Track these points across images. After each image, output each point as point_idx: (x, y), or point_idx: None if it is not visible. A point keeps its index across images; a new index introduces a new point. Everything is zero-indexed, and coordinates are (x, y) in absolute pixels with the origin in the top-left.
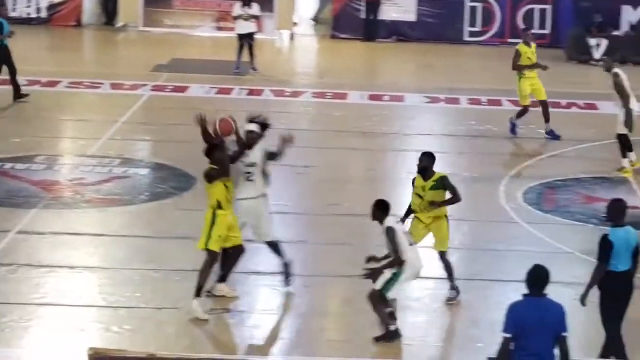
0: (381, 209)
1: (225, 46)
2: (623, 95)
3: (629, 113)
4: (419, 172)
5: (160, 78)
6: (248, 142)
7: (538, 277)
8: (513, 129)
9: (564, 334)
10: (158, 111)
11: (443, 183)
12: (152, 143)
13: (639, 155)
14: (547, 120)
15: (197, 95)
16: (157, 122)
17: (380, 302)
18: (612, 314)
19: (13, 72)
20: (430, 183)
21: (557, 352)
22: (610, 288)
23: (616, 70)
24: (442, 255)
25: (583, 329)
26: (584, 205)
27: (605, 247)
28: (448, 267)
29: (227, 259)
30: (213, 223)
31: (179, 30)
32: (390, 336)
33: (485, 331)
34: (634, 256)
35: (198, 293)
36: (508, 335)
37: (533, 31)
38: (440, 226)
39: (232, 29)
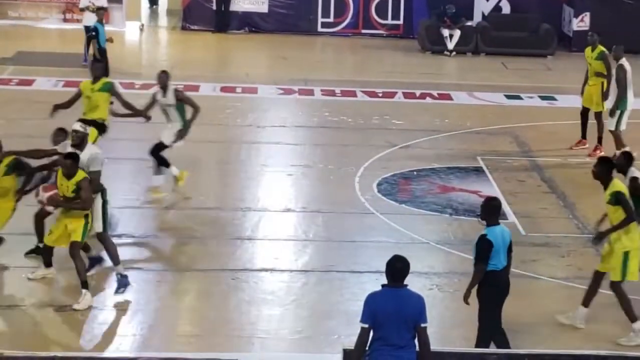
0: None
1: (72, 38)
2: (619, 87)
3: (613, 109)
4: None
5: (4, 71)
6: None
7: (397, 268)
8: None
9: (423, 325)
10: (2, 105)
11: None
12: None
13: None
14: None
15: (43, 89)
16: (1, 116)
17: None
18: (494, 311)
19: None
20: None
21: (416, 342)
22: (492, 286)
23: (622, 62)
24: None
25: (441, 319)
26: (439, 195)
27: (485, 248)
28: None
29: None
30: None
31: (24, 22)
32: None
33: (340, 323)
34: (508, 253)
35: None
36: (365, 325)
37: (384, 22)
38: None
39: (79, 21)
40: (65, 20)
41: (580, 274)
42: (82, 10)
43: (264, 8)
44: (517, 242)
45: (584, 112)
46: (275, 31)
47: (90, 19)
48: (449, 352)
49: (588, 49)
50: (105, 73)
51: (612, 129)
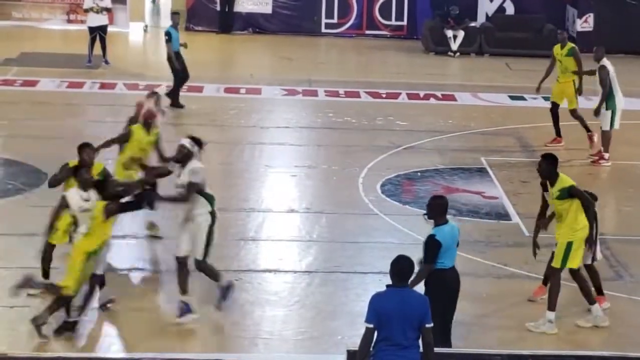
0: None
1: (76, 39)
2: (603, 87)
3: (598, 109)
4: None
5: (8, 72)
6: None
7: (401, 268)
8: None
9: (428, 325)
10: (6, 105)
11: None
12: (0, 138)
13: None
14: None
15: (47, 89)
16: (5, 116)
17: None
18: (441, 310)
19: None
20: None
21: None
22: (439, 285)
23: (603, 62)
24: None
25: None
26: None
27: (434, 248)
28: None
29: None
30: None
31: (28, 22)
32: None
33: (344, 323)
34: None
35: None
36: (370, 326)
37: (388, 22)
38: None
39: (83, 22)
40: (69, 21)
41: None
42: (86, 11)
43: (268, 9)
44: (521, 243)
45: (554, 109)
46: (279, 32)
47: (94, 20)
48: (453, 353)
49: (557, 47)
50: (185, 75)
51: (607, 129)
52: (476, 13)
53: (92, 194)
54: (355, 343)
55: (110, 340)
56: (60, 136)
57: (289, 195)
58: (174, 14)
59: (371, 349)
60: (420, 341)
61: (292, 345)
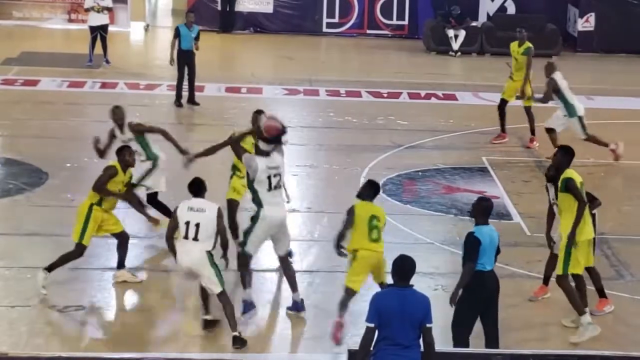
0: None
1: (77, 38)
2: (559, 97)
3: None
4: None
5: (9, 71)
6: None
7: (402, 268)
8: None
9: (428, 325)
10: (7, 105)
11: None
12: (1, 138)
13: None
14: None
15: (48, 89)
16: (6, 116)
17: None
18: (479, 312)
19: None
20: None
21: (421, 342)
22: (480, 287)
23: (554, 75)
24: None
25: (446, 319)
26: (444, 196)
27: (474, 245)
28: None
29: (118, 247)
30: (88, 218)
31: (29, 22)
32: None
33: (345, 323)
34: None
35: (49, 268)
36: (371, 325)
37: (389, 22)
38: None
39: (84, 21)
40: (70, 20)
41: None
42: (87, 10)
43: (269, 8)
44: (523, 242)
45: (501, 106)
46: (280, 31)
47: (95, 20)
48: (454, 353)
49: (514, 44)
50: (180, 75)
51: (584, 137)
52: (477, 12)
53: None
54: (356, 343)
55: (112, 339)
56: (61, 136)
57: (290, 195)
58: (189, 12)
59: (372, 348)
60: (421, 341)
61: (293, 345)
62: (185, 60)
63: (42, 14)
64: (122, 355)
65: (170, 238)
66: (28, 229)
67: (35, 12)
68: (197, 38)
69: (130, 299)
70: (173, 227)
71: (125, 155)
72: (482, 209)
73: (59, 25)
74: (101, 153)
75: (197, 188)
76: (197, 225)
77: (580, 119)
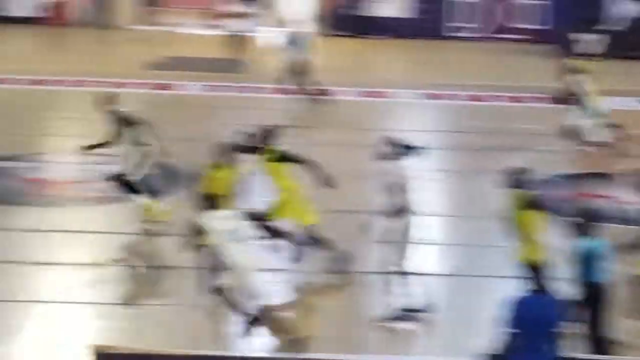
0: None
1: (216, 43)
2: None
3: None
4: None
5: (157, 76)
6: None
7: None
8: None
9: (560, 330)
10: (155, 109)
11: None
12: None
13: None
14: None
15: (191, 93)
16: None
17: None
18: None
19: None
20: None
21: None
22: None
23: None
24: None
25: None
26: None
27: None
28: None
29: None
30: None
31: (175, 28)
32: None
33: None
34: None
35: None
36: (510, 331)
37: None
38: None
39: (223, 27)
40: (210, 26)
41: None
42: (227, 16)
43: (403, 13)
44: None
45: None
46: (415, 36)
47: (236, 25)
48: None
49: None
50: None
51: None
52: (614, 17)
53: None
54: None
55: (115, 339)
56: (207, 138)
57: (432, 199)
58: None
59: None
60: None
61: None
62: (298, 69)
63: (187, 20)
64: (130, 352)
65: None
66: (171, 230)
67: (181, 19)
68: (307, 45)
69: (135, 296)
70: None
71: None
72: None
73: (200, 30)
74: None
75: None
76: None
77: None
